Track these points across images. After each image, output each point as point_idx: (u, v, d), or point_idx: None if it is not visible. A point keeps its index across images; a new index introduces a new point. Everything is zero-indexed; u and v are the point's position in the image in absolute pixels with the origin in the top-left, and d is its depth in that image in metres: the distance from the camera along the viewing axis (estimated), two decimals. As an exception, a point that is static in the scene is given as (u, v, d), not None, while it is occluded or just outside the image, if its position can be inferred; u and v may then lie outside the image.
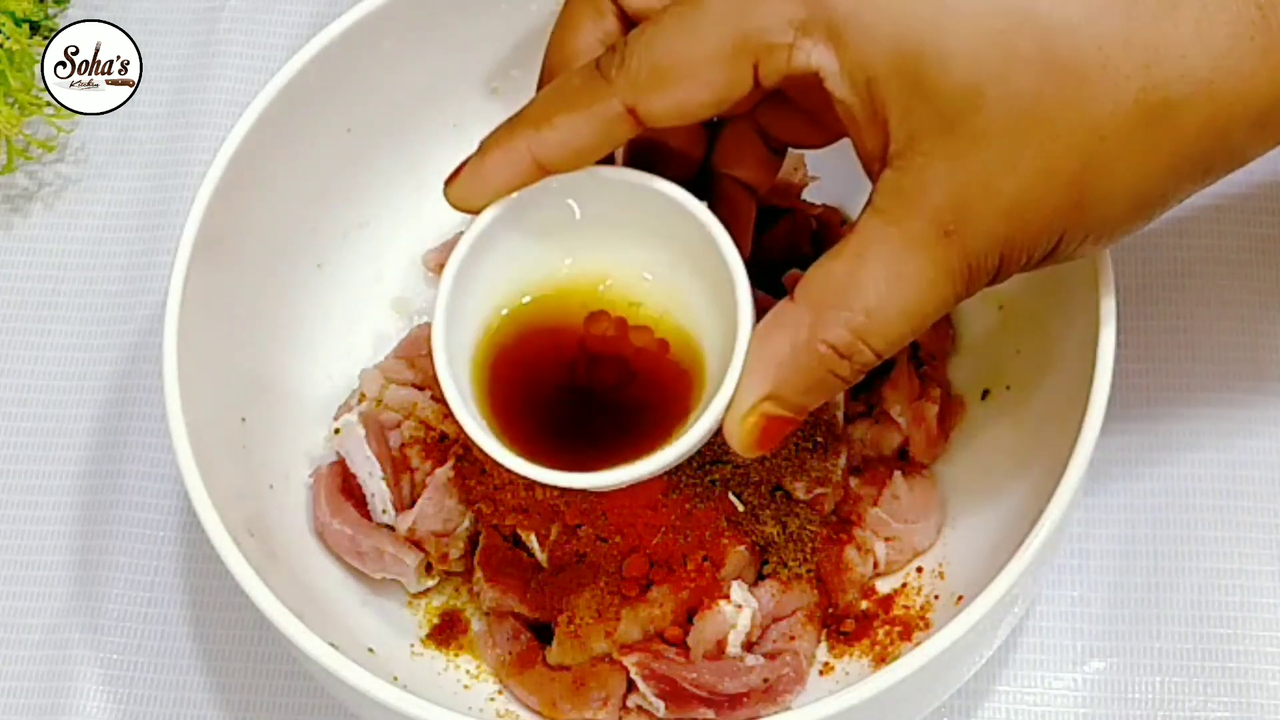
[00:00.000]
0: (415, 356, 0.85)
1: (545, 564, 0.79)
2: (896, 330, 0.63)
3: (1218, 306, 0.90)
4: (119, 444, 0.91)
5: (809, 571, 0.80)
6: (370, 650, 0.77)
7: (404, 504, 0.81)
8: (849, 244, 0.63)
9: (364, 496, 0.82)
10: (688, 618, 0.78)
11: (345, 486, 0.82)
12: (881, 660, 0.78)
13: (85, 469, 0.90)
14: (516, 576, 0.79)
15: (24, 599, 0.87)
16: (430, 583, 0.82)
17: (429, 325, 0.86)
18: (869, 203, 0.63)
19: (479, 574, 0.80)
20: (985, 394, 0.84)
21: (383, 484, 0.81)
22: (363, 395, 0.85)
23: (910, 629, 0.78)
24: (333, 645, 0.69)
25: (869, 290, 0.62)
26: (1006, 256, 0.63)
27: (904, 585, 0.80)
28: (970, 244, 0.62)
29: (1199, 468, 0.87)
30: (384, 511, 0.81)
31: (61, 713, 0.84)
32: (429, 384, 0.84)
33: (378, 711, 0.69)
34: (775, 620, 0.79)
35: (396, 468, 0.82)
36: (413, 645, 0.81)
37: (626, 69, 0.64)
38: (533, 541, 0.79)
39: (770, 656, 0.77)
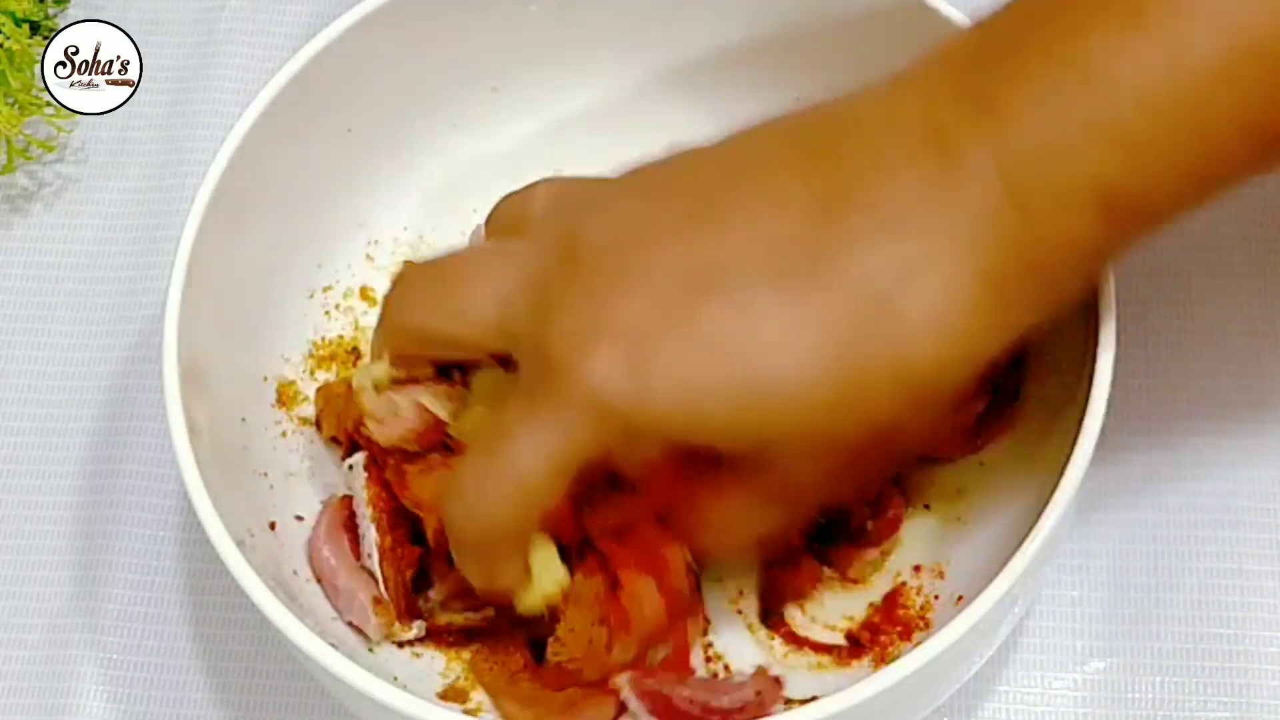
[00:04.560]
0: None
1: None
2: None
3: (1218, 309, 0.90)
4: (119, 444, 0.90)
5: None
6: (370, 650, 0.77)
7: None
8: None
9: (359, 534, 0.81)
10: (683, 630, 0.77)
11: (349, 521, 0.81)
12: (881, 660, 0.78)
13: (85, 469, 0.90)
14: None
15: (24, 599, 0.87)
16: (406, 634, 0.79)
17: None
18: None
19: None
20: (985, 394, 0.84)
21: (372, 528, 0.80)
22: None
23: (910, 629, 0.78)
24: (333, 645, 0.69)
25: None
26: None
27: (904, 585, 0.80)
28: None
29: (1199, 468, 0.86)
30: (369, 555, 0.80)
31: (61, 713, 0.84)
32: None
33: (378, 711, 0.69)
34: (771, 630, 0.79)
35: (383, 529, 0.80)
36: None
37: None
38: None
39: (764, 669, 0.77)
